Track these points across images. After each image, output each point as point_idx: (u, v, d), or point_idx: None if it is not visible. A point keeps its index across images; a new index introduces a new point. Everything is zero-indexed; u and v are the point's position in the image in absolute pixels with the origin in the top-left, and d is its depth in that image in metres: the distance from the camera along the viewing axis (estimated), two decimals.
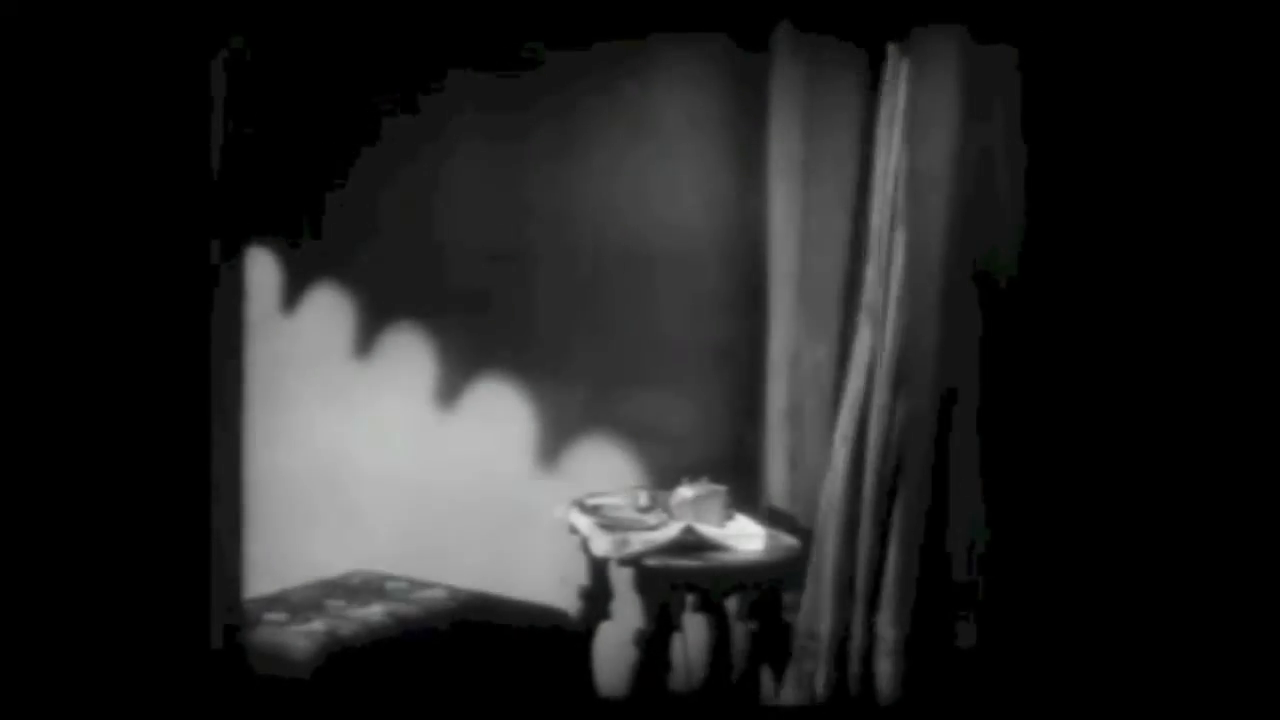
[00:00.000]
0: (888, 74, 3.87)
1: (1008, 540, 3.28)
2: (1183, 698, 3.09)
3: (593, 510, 4.29)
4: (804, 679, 4.00)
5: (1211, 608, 3.09)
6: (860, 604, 3.92)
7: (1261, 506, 3.04)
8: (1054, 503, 3.23)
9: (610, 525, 4.16)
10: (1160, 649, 3.12)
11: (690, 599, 4.20)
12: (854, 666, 3.90)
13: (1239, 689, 3.06)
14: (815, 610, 4.06)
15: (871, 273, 3.96)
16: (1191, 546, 3.11)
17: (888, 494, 3.86)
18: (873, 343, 3.93)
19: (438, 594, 4.26)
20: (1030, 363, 3.26)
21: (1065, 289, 3.20)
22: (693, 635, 4.27)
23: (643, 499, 4.34)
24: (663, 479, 4.48)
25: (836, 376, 4.23)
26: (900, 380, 3.79)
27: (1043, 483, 3.24)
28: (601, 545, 4.06)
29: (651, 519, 4.20)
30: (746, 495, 4.43)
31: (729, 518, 4.21)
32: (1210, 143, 3.07)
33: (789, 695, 3.97)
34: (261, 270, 4.56)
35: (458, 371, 4.67)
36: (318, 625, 3.95)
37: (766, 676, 4.22)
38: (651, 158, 4.69)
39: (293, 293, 4.65)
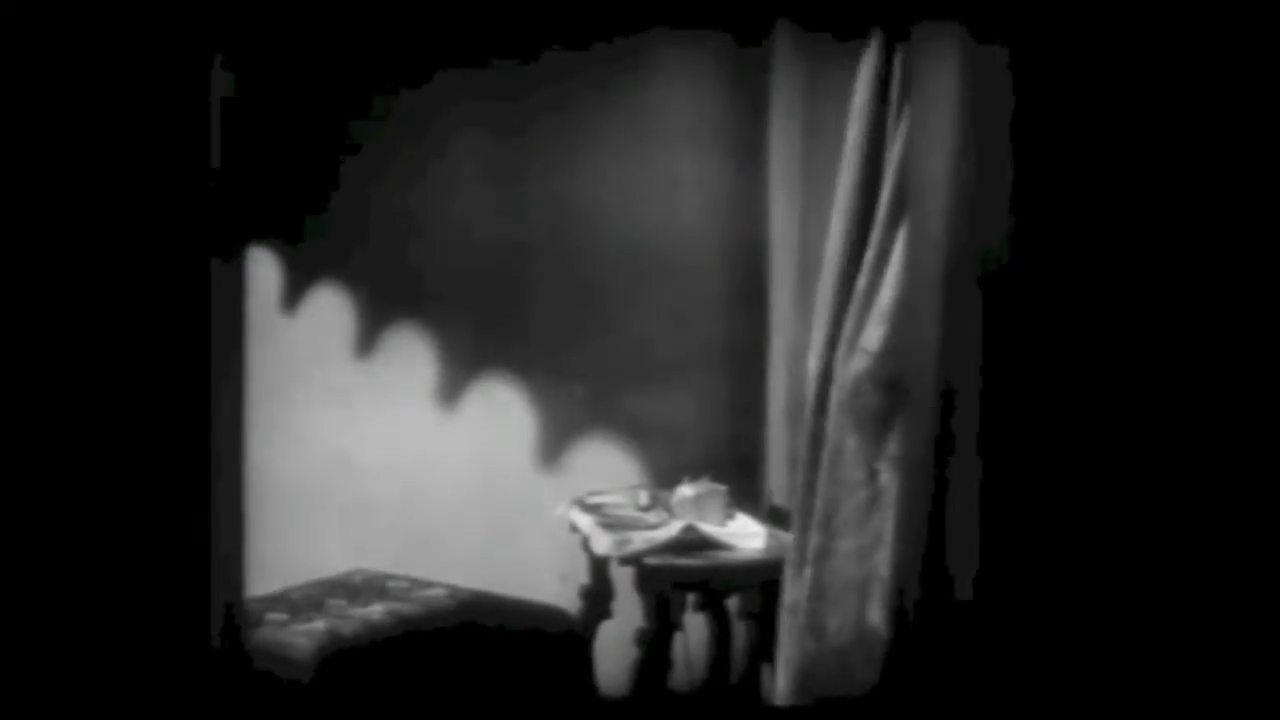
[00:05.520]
0: (887, 72, 3.87)
1: (1007, 539, 3.28)
2: (1186, 697, 3.09)
3: (594, 509, 4.30)
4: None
5: (1214, 601, 3.08)
6: (856, 603, 3.92)
7: (1265, 495, 3.04)
8: (1055, 501, 3.23)
9: (611, 524, 4.16)
10: (1164, 646, 3.12)
11: (691, 598, 4.20)
12: (850, 666, 3.89)
13: (1240, 689, 3.06)
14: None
15: (871, 271, 3.95)
16: (1191, 538, 3.11)
17: (885, 492, 3.86)
18: (872, 341, 3.92)
19: (438, 593, 4.26)
20: (1026, 360, 3.26)
21: (1058, 285, 3.20)
22: (693, 634, 4.28)
23: (643, 497, 4.34)
24: (663, 477, 4.49)
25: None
26: (901, 378, 3.79)
27: (1044, 482, 3.24)
28: (602, 544, 4.06)
29: (652, 517, 4.20)
30: (747, 494, 4.43)
31: (730, 516, 4.22)
32: (1205, 138, 3.07)
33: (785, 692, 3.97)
34: (262, 270, 4.56)
35: (458, 370, 4.68)
36: (319, 624, 3.96)
37: (767, 676, 4.22)
38: (651, 157, 4.69)
39: (293, 293, 4.65)
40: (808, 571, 3.78)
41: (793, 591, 3.83)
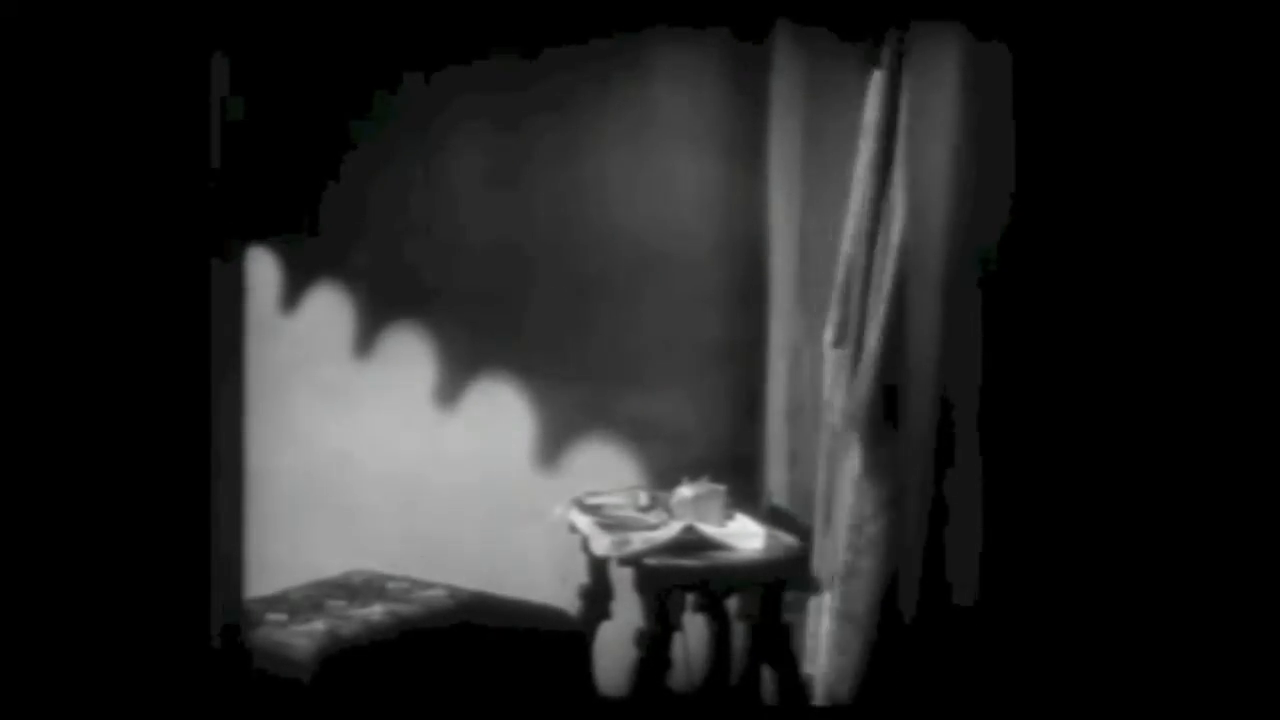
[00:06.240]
0: (887, 70, 3.87)
1: (1007, 543, 3.28)
2: (1186, 698, 3.09)
3: (593, 509, 4.29)
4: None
5: (1215, 603, 3.08)
6: (856, 604, 3.92)
7: (1266, 496, 3.04)
8: (1056, 504, 3.23)
9: (610, 524, 4.16)
10: (1165, 648, 3.12)
11: (690, 598, 4.20)
12: (849, 668, 3.89)
13: (1240, 690, 3.06)
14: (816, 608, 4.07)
15: (874, 273, 3.95)
16: (1191, 539, 3.11)
17: (885, 495, 3.86)
18: (872, 340, 3.92)
19: (438, 594, 4.26)
20: (1028, 361, 3.26)
21: (1059, 286, 3.20)
22: (693, 635, 4.27)
23: (643, 498, 4.34)
24: (663, 478, 4.48)
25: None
26: (900, 380, 3.79)
27: (1045, 484, 3.24)
28: (602, 544, 4.05)
29: (652, 518, 4.20)
30: (747, 494, 4.43)
31: (729, 517, 4.21)
32: (1206, 137, 3.07)
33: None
34: (261, 270, 4.56)
35: (458, 370, 4.67)
36: (318, 625, 3.95)
37: (766, 676, 4.22)
38: (651, 154, 4.69)
39: (293, 292, 4.65)
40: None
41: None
